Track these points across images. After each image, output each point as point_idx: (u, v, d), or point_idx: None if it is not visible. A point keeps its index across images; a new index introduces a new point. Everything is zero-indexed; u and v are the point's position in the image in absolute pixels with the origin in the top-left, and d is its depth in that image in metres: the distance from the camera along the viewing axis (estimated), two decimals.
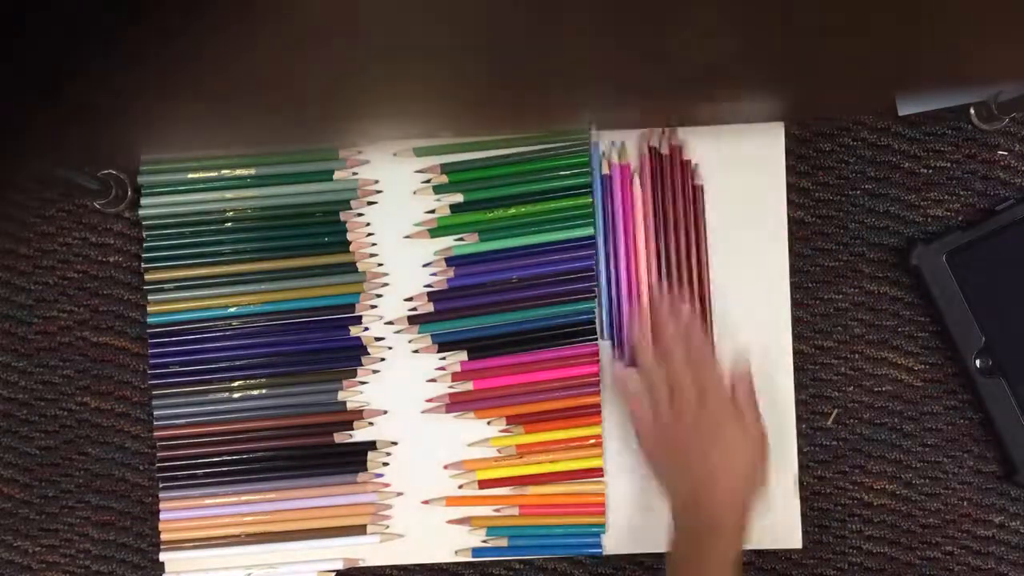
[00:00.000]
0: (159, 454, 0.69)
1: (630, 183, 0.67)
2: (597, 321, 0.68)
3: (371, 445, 0.68)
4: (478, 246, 0.68)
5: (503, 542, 0.67)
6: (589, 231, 0.67)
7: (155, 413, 0.69)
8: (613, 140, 0.68)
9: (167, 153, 0.68)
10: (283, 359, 0.69)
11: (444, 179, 0.68)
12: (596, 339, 0.67)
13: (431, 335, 0.68)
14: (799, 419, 0.67)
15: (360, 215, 0.69)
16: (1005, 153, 0.68)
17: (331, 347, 0.68)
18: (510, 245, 0.68)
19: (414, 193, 0.69)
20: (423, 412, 0.68)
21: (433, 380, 0.68)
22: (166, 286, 0.69)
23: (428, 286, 0.68)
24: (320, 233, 0.69)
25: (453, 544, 0.68)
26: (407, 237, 0.68)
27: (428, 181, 0.68)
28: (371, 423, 0.68)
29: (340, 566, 0.68)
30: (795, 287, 0.68)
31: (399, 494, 0.68)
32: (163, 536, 0.68)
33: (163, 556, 0.68)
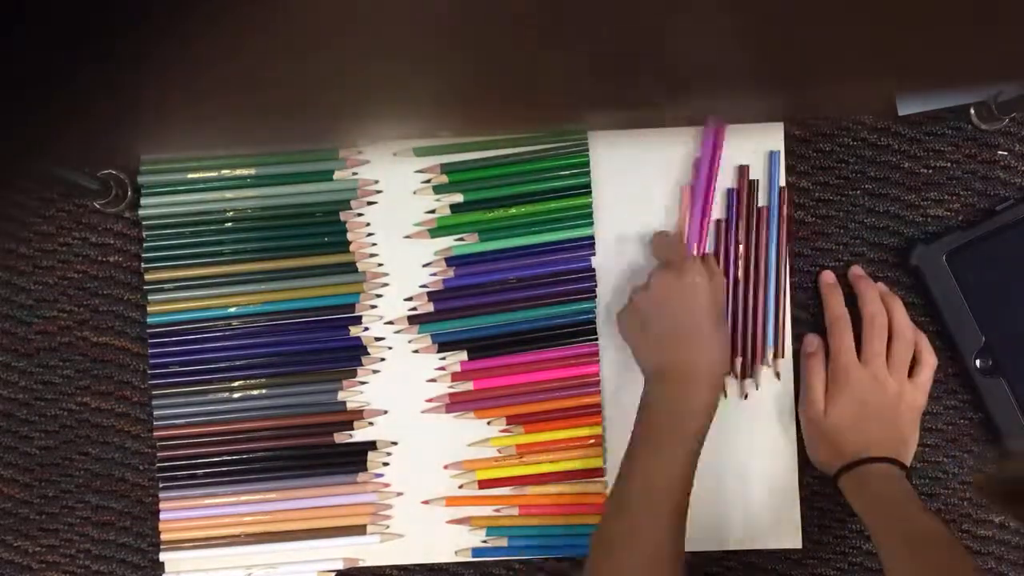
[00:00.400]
0: (159, 454, 0.69)
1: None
2: (597, 321, 0.68)
3: (371, 445, 0.68)
4: (478, 246, 0.68)
5: (503, 542, 0.67)
6: (589, 231, 0.67)
7: (155, 413, 0.69)
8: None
9: (167, 153, 0.68)
10: (283, 359, 0.69)
11: (444, 179, 0.68)
12: (596, 339, 0.67)
13: (431, 335, 0.68)
14: (799, 419, 0.67)
15: (360, 215, 0.69)
16: (1005, 153, 0.67)
17: (331, 347, 0.68)
18: (510, 245, 0.68)
19: (414, 193, 0.69)
20: (423, 412, 0.68)
21: (433, 380, 0.68)
22: (166, 286, 0.69)
23: (428, 286, 0.68)
24: (320, 233, 0.69)
25: (453, 544, 0.68)
26: (407, 237, 0.68)
27: (428, 181, 0.68)
28: (371, 423, 0.68)
29: (340, 566, 0.68)
30: (795, 287, 0.68)
31: (399, 494, 0.68)
32: (163, 536, 0.68)
33: (163, 556, 0.68)
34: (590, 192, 0.67)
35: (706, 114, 0.66)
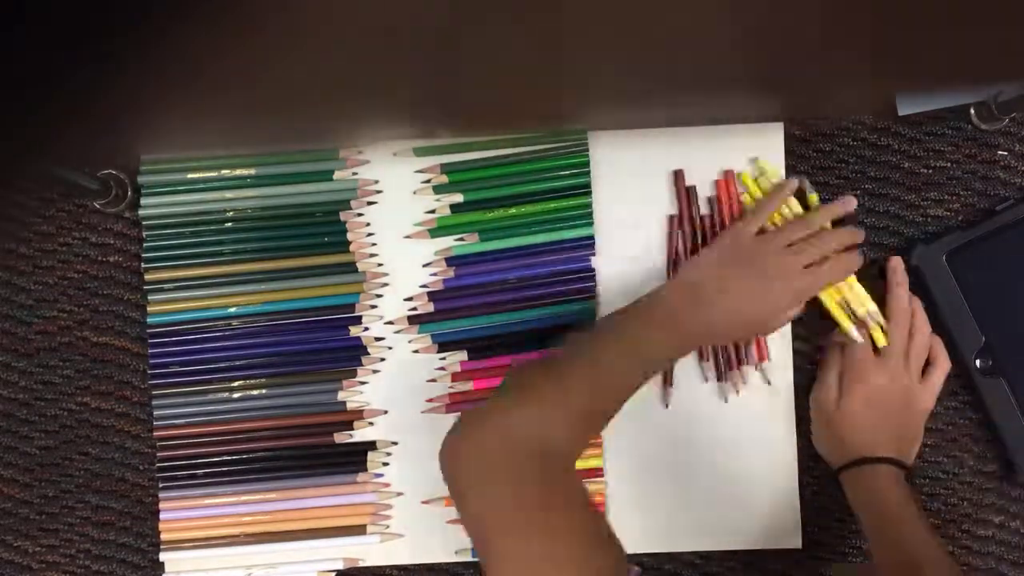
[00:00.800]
0: (159, 454, 0.69)
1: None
2: (597, 321, 0.68)
3: (371, 445, 0.68)
4: (478, 246, 0.68)
5: None
6: (589, 231, 0.67)
7: (155, 413, 0.69)
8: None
9: (167, 153, 0.68)
10: (283, 359, 0.69)
11: (444, 179, 0.68)
12: None
13: (431, 335, 0.68)
14: (799, 419, 0.67)
15: (360, 215, 0.69)
16: (1005, 153, 0.67)
17: (331, 347, 0.68)
18: (510, 245, 0.68)
19: (414, 193, 0.69)
20: (423, 412, 0.68)
21: (433, 380, 0.68)
22: (166, 286, 0.69)
23: (428, 286, 0.68)
24: (320, 233, 0.69)
25: (453, 544, 0.68)
26: (407, 237, 0.68)
27: (428, 181, 0.68)
28: (371, 423, 0.68)
29: (340, 566, 0.68)
30: None
31: (399, 494, 0.68)
32: (163, 536, 0.68)
33: (163, 556, 0.68)
34: (590, 192, 0.67)
35: (708, 114, 0.66)
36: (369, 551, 0.68)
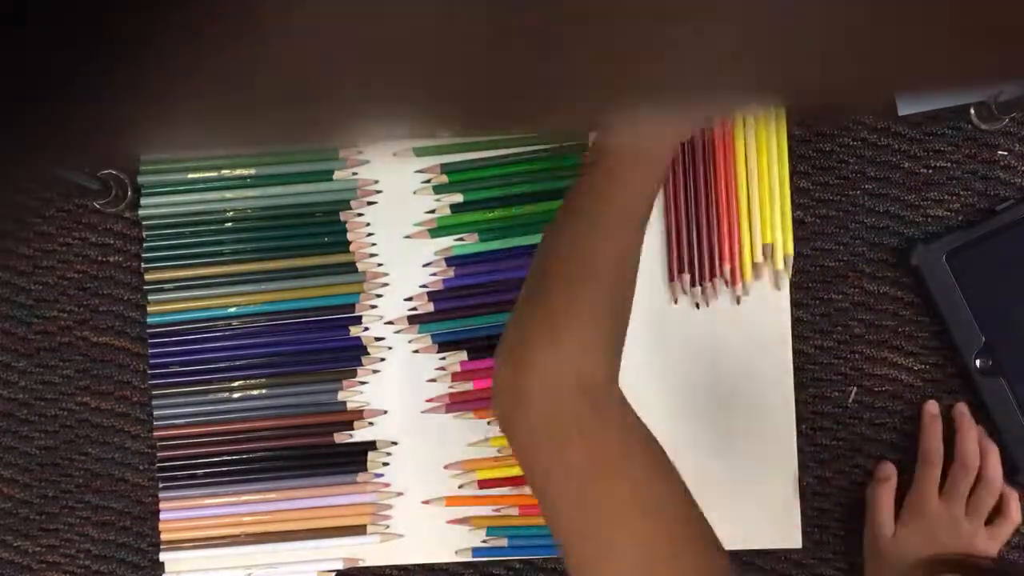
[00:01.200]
0: (159, 454, 0.69)
1: None
2: None
3: (371, 445, 0.68)
4: (478, 246, 0.68)
5: (503, 542, 0.67)
6: None
7: (155, 413, 0.69)
8: None
9: (167, 153, 0.68)
10: (283, 359, 0.69)
11: (444, 179, 0.68)
12: None
13: (431, 335, 0.68)
14: (799, 419, 0.67)
15: (360, 215, 0.69)
16: (1005, 153, 0.67)
17: (331, 347, 0.68)
18: (510, 246, 0.68)
19: (414, 193, 0.69)
20: (423, 412, 0.68)
21: (433, 380, 0.68)
22: (166, 286, 0.69)
23: (428, 286, 0.68)
24: (320, 233, 0.69)
25: (453, 544, 0.68)
26: (407, 237, 0.68)
27: (428, 181, 0.68)
28: (371, 423, 0.68)
29: (340, 566, 0.68)
30: (795, 287, 0.67)
31: (399, 494, 0.68)
32: (163, 536, 0.68)
33: (163, 556, 0.68)
34: None
35: (708, 115, 0.66)
36: (369, 551, 0.68)
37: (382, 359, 0.68)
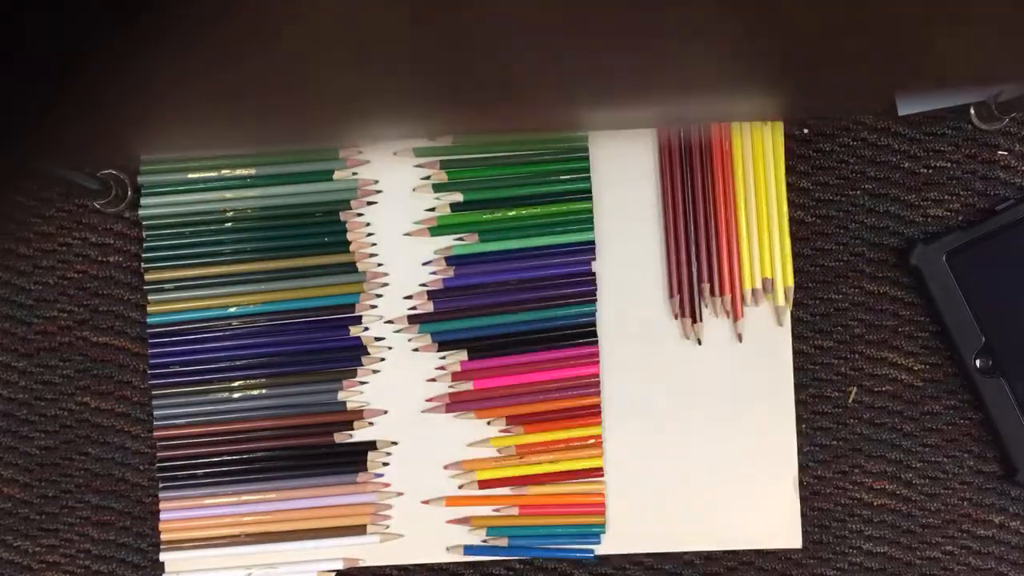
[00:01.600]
0: (159, 454, 0.69)
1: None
2: (597, 323, 0.68)
3: (371, 445, 0.68)
4: (478, 246, 0.68)
5: (503, 542, 0.67)
6: (589, 236, 0.67)
7: (155, 413, 0.69)
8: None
9: (167, 153, 0.68)
10: (283, 359, 0.69)
11: (443, 176, 0.68)
12: (596, 341, 0.67)
13: (431, 334, 0.68)
14: (799, 419, 0.67)
15: (360, 215, 0.69)
16: (1005, 153, 0.68)
17: (331, 347, 0.68)
18: (510, 247, 0.68)
19: (414, 190, 0.69)
20: (423, 412, 0.68)
21: (433, 380, 0.68)
22: (166, 286, 0.69)
23: (428, 285, 0.68)
24: (320, 233, 0.69)
25: (453, 544, 0.68)
26: (407, 235, 0.68)
27: (427, 178, 0.68)
28: (371, 423, 0.68)
29: (340, 566, 0.68)
30: (795, 287, 0.68)
31: (399, 494, 0.68)
32: (163, 536, 0.69)
33: (163, 556, 0.68)
34: (590, 197, 0.67)
35: (706, 114, 0.66)
36: (369, 551, 0.68)
37: (382, 359, 0.68)
